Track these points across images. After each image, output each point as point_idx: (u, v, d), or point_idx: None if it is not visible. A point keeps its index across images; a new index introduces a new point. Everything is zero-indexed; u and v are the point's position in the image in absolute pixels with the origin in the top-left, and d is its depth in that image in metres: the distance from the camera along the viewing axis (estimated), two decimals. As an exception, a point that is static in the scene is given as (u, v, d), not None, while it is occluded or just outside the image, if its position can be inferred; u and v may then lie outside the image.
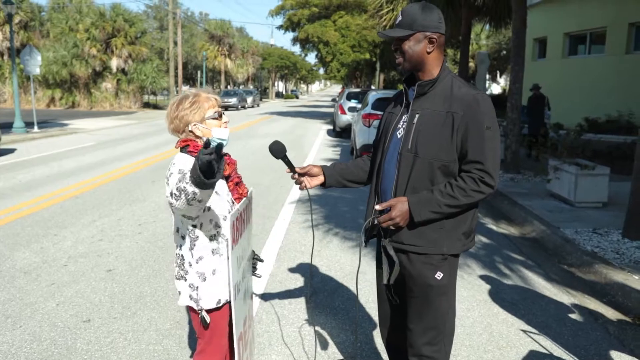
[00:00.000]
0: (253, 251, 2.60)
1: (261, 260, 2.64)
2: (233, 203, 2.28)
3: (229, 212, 2.21)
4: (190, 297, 2.23)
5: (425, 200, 2.11)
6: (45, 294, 4.25)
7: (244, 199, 2.29)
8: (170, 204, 1.95)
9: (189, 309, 2.29)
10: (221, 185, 2.24)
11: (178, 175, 2.05)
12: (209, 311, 2.23)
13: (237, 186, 2.31)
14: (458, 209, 2.12)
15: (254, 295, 3.17)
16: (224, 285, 2.20)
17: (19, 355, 3.30)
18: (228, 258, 2.05)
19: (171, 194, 1.90)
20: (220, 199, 2.21)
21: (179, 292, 2.27)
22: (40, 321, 3.77)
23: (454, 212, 2.13)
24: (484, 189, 2.08)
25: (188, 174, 1.81)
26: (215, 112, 2.21)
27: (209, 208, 2.17)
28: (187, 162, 2.12)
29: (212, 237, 2.20)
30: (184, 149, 2.19)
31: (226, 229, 2.17)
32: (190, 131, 2.20)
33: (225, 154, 2.30)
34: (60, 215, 6.81)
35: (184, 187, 1.82)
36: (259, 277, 2.68)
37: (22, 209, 7.08)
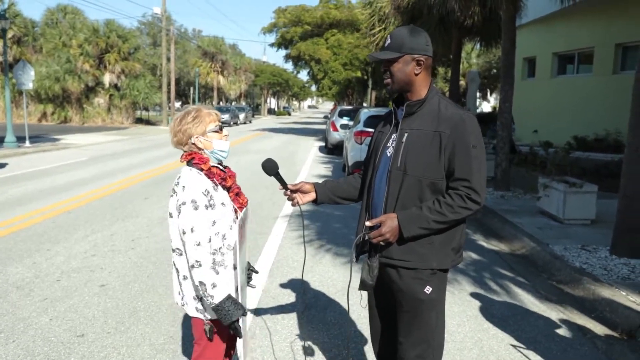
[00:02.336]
0: (248, 262, 2.66)
1: (256, 272, 2.70)
2: (236, 212, 2.36)
3: (234, 221, 2.30)
4: (197, 309, 2.30)
5: (414, 216, 2.18)
6: (38, 309, 4.26)
7: (245, 208, 2.39)
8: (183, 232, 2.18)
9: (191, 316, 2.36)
10: (226, 196, 2.32)
11: (191, 204, 2.15)
12: (212, 321, 2.31)
13: (237, 196, 2.39)
14: (446, 225, 2.19)
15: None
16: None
17: (12, 370, 3.32)
18: (236, 261, 2.16)
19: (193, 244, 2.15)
20: (226, 209, 2.29)
21: (182, 305, 2.34)
22: (34, 336, 3.78)
23: (442, 228, 2.20)
24: (470, 206, 2.15)
25: (214, 294, 2.15)
26: (216, 126, 2.31)
27: (214, 222, 2.23)
28: (196, 183, 2.20)
29: (215, 251, 2.25)
30: (189, 162, 2.28)
31: (233, 237, 2.27)
32: (193, 144, 2.29)
33: (226, 167, 2.40)
34: (53, 230, 6.81)
35: (205, 281, 2.16)
36: (254, 287, 2.74)
37: (15, 224, 7.09)
